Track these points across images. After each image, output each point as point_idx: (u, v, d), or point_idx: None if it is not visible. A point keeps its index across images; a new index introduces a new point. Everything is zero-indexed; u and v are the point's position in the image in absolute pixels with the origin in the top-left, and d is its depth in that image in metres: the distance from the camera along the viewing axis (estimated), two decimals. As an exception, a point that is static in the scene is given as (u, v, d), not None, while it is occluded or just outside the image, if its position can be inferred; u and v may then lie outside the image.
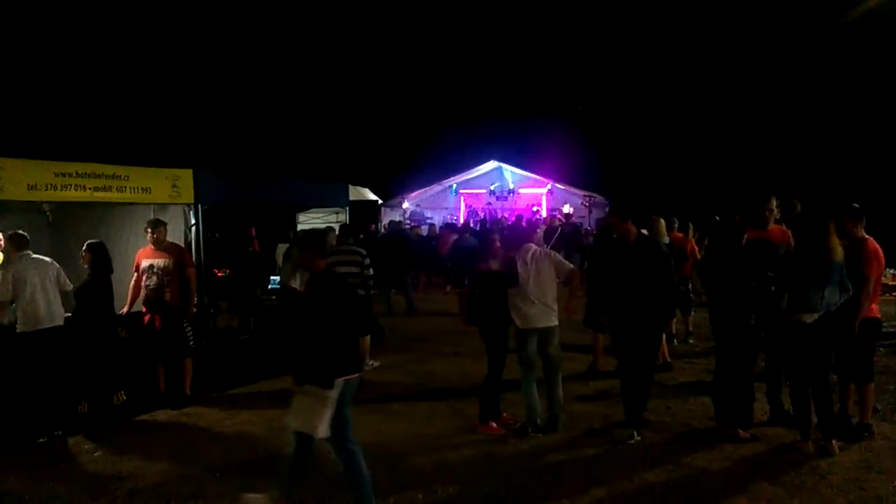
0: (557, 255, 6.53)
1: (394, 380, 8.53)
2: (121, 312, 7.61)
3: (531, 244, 6.49)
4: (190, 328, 7.60)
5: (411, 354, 9.95)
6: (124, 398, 7.41)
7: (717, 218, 12.35)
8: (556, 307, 6.40)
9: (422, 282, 17.45)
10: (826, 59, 24.81)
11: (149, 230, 7.48)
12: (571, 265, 6.57)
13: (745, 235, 6.05)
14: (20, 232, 6.87)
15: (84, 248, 7.22)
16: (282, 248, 12.76)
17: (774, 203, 6.47)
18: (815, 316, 5.54)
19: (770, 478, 5.24)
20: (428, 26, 34.47)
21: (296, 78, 32.21)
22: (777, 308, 5.64)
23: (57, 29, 23.70)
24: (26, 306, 6.55)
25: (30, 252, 6.81)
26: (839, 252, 5.54)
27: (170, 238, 7.79)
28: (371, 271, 9.02)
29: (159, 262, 7.43)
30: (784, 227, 6.61)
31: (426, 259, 16.92)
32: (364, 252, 9.06)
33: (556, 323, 6.41)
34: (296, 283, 9.55)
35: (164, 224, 7.68)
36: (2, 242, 7.08)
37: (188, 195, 8.28)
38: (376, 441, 6.25)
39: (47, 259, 6.92)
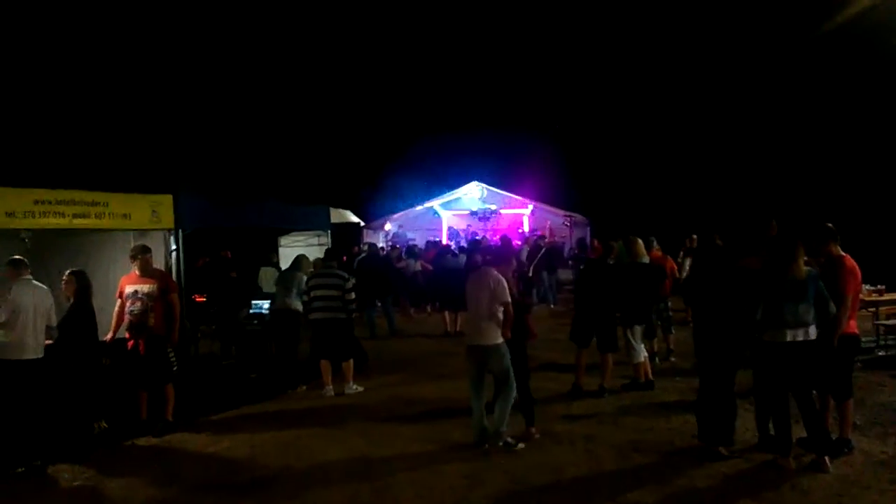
0: (504, 285, 6.51)
1: (377, 402, 8.50)
2: (105, 339, 7.54)
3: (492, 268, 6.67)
4: (173, 354, 7.55)
5: (395, 377, 9.92)
6: (105, 426, 7.32)
7: (694, 237, 12.56)
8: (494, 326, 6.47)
9: (404, 303, 17.43)
10: (799, 78, 25.25)
11: (138, 256, 7.45)
12: (508, 299, 6.46)
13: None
14: (19, 257, 6.83)
15: (67, 274, 7.17)
16: (265, 271, 12.70)
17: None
18: (793, 333, 5.62)
19: (753, 494, 5.27)
20: (409, 50, 34.76)
21: (276, 102, 32.28)
22: (753, 324, 5.72)
23: (35, 54, 23.62)
24: (16, 333, 6.47)
25: (30, 277, 6.77)
26: (801, 271, 5.64)
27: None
28: (353, 295, 9.02)
29: (143, 287, 7.39)
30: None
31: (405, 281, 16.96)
32: (346, 276, 9.07)
33: (495, 342, 6.46)
34: (295, 304, 9.57)
35: (150, 251, 7.66)
36: None
37: (168, 220, 8.24)
38: (360, 463, 6.26)
39: (46, 289, 6.87)
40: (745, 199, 21.23)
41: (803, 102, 24.43)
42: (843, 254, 6.09)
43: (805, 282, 5.60)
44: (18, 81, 22.13)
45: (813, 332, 5.68)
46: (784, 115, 25.19)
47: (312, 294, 8.94)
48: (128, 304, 7.42)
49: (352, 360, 9.13)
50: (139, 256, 7.47)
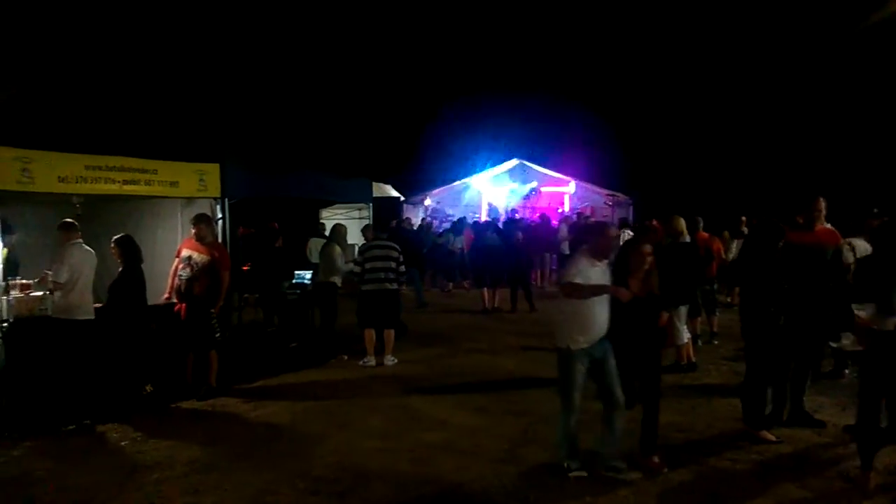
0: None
1: (416, 374, 8.56)
2: (165, 297, 7.77)
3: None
4: (216, 321, 7.68)
5: (434, 350, 9.96)
6: (151, 389, 7.50)
7: (744, 218, 12.31)
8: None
9: (440, 279, 17.49)
10: (865, 61, 24.32)
11: (194, 225, 7.63)
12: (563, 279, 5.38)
13: (789, 237, 5.97)
14: (71, 220, 7.01)
15: (112, 243, 7.34)
16: (315, 242, 12.82)
17: (822, 204, 6.39)
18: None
19: (796, 480, 5.18)
20: (454, 24, 34.49)
21: (321, 75, 32.34)
22: (851, 314, 5.42)
23: (88, 24, 23.99)
24: (71, 294, 6.65)
25: (81, 241, 6.95)
26: None
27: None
28: (403, 267, 9.23)
29: (196, 256, 7.54)
30: (831, 228, 6.50)
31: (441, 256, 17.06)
32: (399, 248, 9.21)
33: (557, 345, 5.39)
34: (336, 279, 9.74)
35: (205, 220, 7.75)
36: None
37: (215, 189, 8.35)
38: (400, 434, 6.33)
39: (93, 252, 7.05)
40: (802, 181, 20.52)
41: (872, 85, 23.53)
42: None
43: None
44: (72, 50, 22.53)
45: None
46: (851, 98, 24.28)
47: (368, 265, 9.02)
48: (180, 267, 7.62)
49: (393, 331, 9.20)
50: (194, 225, 7.65)
